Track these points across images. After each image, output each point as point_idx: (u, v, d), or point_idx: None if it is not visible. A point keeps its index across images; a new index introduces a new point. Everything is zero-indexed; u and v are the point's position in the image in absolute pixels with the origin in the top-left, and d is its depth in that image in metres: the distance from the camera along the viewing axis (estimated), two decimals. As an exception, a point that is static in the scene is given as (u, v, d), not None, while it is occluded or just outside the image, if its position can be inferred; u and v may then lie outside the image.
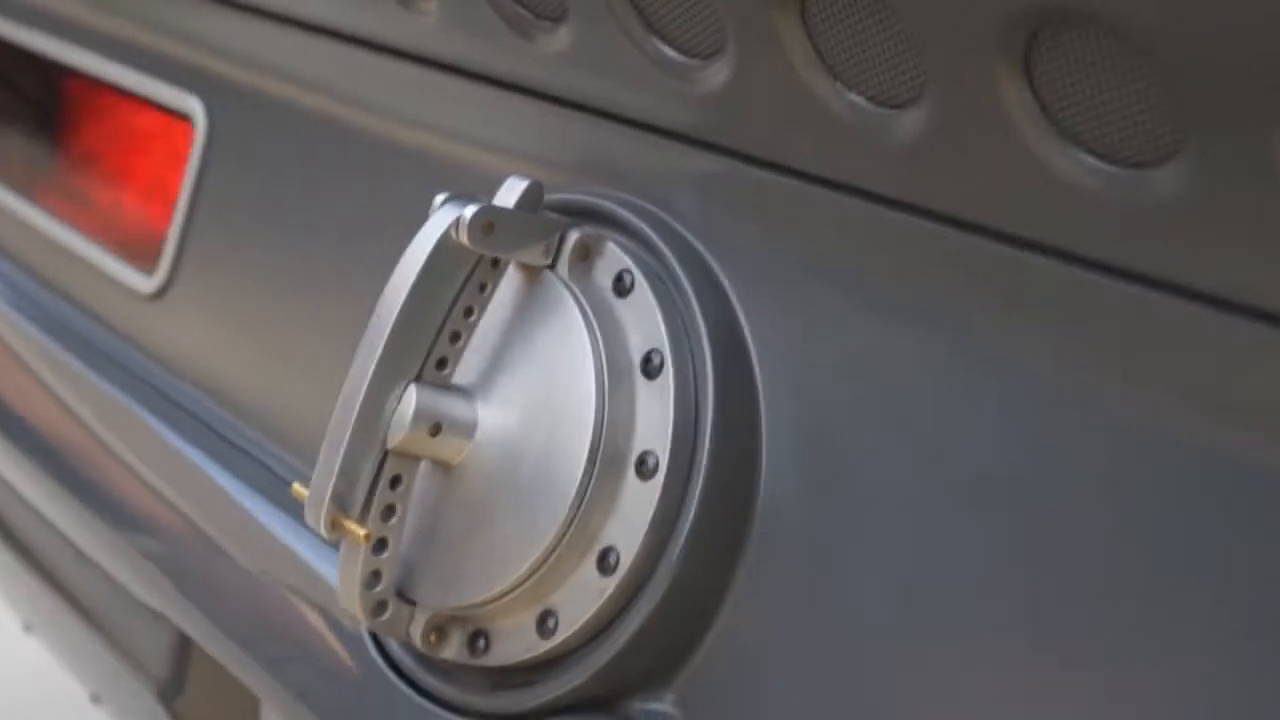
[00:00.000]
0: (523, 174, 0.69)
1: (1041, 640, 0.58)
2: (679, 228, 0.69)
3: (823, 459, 0.64)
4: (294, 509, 0.85)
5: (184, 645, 0.97)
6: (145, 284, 1.03)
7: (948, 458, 0.61)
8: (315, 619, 0.79)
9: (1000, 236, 0.58)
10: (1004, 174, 0.55)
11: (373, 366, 0.65)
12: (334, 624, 0.78)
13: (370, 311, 0.87)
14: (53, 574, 1.08)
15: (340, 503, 0.66)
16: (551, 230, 0.68)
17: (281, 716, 0.79)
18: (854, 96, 0.59)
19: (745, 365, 0.66)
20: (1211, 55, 0.45)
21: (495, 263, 0.68)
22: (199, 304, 1.01)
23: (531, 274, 0.69)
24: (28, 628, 1.35)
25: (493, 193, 0.68)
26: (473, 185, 0.78)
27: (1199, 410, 0.53)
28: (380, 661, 0.74)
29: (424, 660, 0.73)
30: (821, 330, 0.65)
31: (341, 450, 0.66)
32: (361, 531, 0.66)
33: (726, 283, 0.68)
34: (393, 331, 0.66)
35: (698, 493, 0.65)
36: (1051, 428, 0.58)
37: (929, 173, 0.59)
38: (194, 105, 1.02)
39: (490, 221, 0.66)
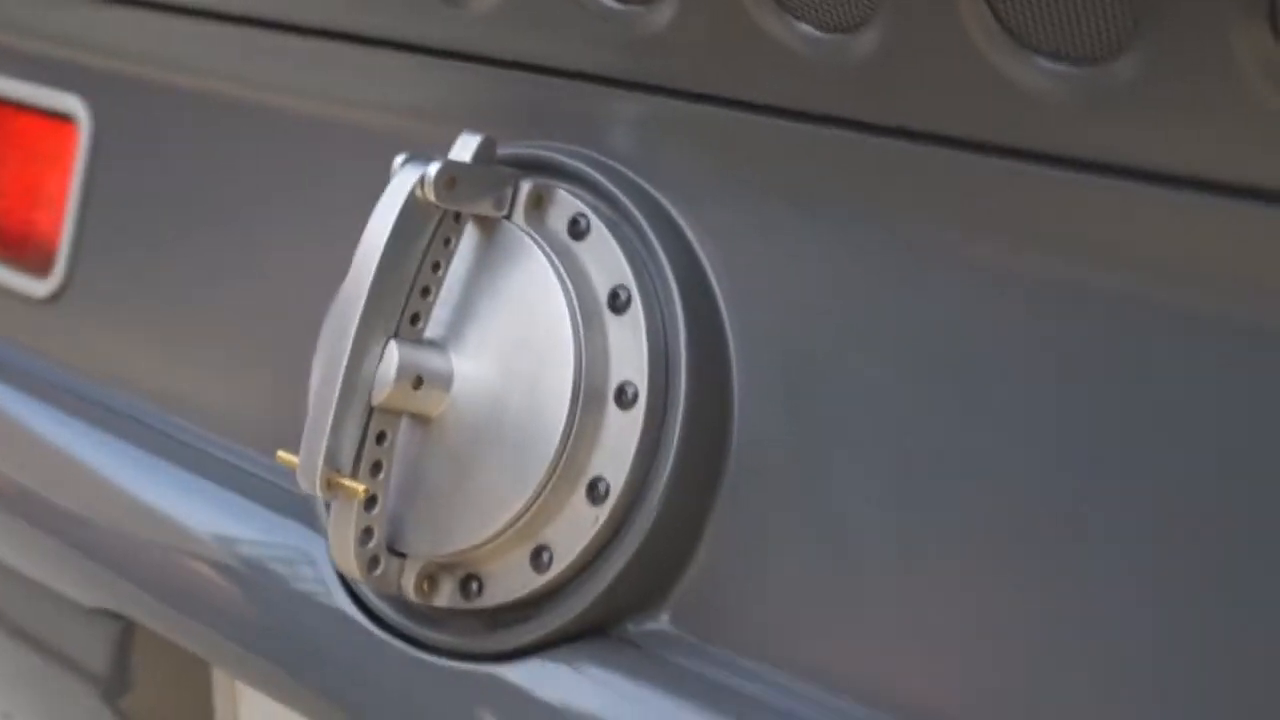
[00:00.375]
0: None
1: (1028, 517, 0.62)
2: (626, 170, 0.72)
3: (792, 372, 0.68)
4: (233, 483, 0.86)
5: (125, 639, 0.97)
6: (40, 288, 1.02)
7: (916, 359, 0.65)
8: (285, 592, 0.81)
9: (956, 143, 0.62)
10: (960, 84, 0.59)
11: (354, 326, 0.67)
12: (311, 594, 0.79)
13: (279, 288, 0.89)
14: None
15: (332, 463, 0.68)
16: (506, 181, 0.71)
17: (286, 700, 0.80)
18: (803, 26, 0.63)
19: (708, 291, 0.70)
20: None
21: (457, 217, 0.70)
22: (99, 301, 1.00)
23: (489, 226, 0.72)
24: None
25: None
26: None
27: (1167, 281, 0.58)
28: (367, 622, 0.76)
29: (414, 613, 0.74)
30: (780, 252, 0.69)
31: (331, 410, 0.67)
32: (360, 488, 0.68)
33: (679, 217, 0.71)
34: (370, 291, 0.67)
35: (679, 415, 0.68)
36: (1023, 321, 0.62)
37: (883, 91, 0.63)
38: (75, 104, 1.01)
39: (452, 176, 0.68)
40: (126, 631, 0.97)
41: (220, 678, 0.97)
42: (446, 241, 0.70)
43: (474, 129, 0.72)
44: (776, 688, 0.68)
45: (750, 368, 0.69)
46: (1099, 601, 0.60)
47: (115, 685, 0.98)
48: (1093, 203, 0.59)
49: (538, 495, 0.68)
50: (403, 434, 0.71)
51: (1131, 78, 0.54)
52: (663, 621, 0.71)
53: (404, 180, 0.68)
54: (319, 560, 0.80)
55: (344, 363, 0.67)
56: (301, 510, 0.83)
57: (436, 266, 0.70)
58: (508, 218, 0.72)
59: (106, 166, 1.00)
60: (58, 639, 1.00)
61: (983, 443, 0.63)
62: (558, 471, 0.68)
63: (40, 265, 1.02)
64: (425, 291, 0.70)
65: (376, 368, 0.68)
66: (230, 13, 0.91)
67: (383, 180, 0.84)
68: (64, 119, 1.01)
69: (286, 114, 0.91)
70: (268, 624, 0.81)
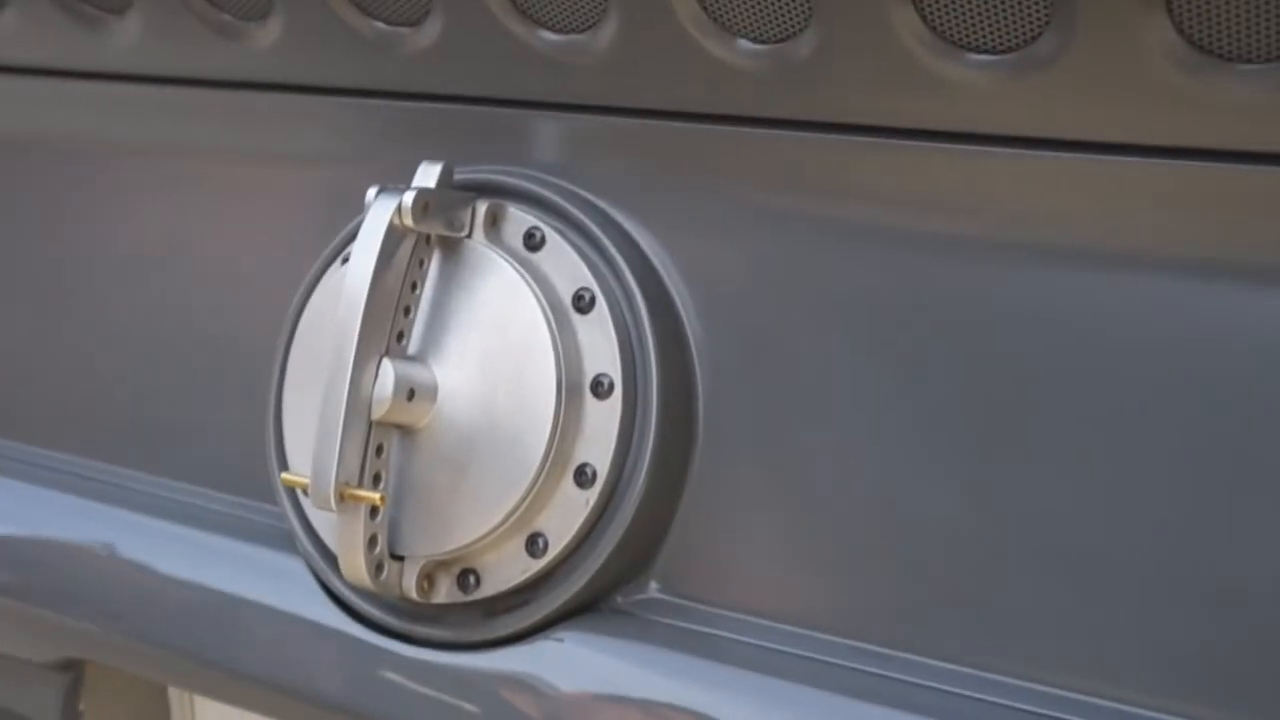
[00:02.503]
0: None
1: (970, 453, 0.72)
2: (571, 185, 0.79)
3: (746, 350, 0.76)
4: (187, 518, 0.90)
5: (74, 689, 0.99)
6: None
7: (855, 328, 0.74)
8: (272, 614, 0.85)
9: (883, 132, 0.71)
10: (891, 82, 0.68)
11: (353, 349, 0.73)
12: (299, 611, 0.83)
13: (181, 325, 0.93)
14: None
15: (342, 477, 0.73)
16: (466, 203, 0.77)
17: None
18: (742, 41, 0.71)
19: (662, 286, 0.77)
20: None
21: (428, 239, 0.76)
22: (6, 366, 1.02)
23: (453, 245, 0.78)
24: None
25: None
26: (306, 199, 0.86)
27: (1071, 232, 0.68)
28: (362, 630, 0.81)
29: (407, 614, 0.80)
30: (723, 244, 0.77)
31: (339, 428, 0.73)
32: (376, 496, 0.73)
33: (626, 222, 0.79)
34: (364, 315, 0.73)
35: (653, 398, 0.75)
36: (953, 283, 0.71)
37: (813, 91, 0.71)
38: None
39: (426, 201, 0.74)
40: (75, 681, 0.99)
41: (179, 714, 1.00)
42: (420, 262, 0.76)
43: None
44: (758, 631, 0.75)
45: (709, 350, 0.77)
46: (1039, 511, 0.70)
47: (68, 736, 1.00)
48: (1016, 174, 0.68)
49: (533, 486, 0.74)
50: (395, 445, 0.77)
51: (1050, 57, 0.63)
52: (650, 590, 0.78)
53: (382, 209, 0.74)
54: (296, 577, 0.84)
55: (346, 383, 0.73)
56: (260, 534, 0.87)
57: (414, 286, 0.76)
58: (468, 237, 0.78)
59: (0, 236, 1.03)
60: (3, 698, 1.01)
61: (921, 398, 0.72)
62: (549, 461, 0.74)
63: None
64: (406, 310, 0.76)
65: (374, 385, 0.74)
66: (119, 72, 0.95)
67: (276, 221, 0.90)
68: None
69: (180, 164, 0.95)
70: (257, 649, 0.85)
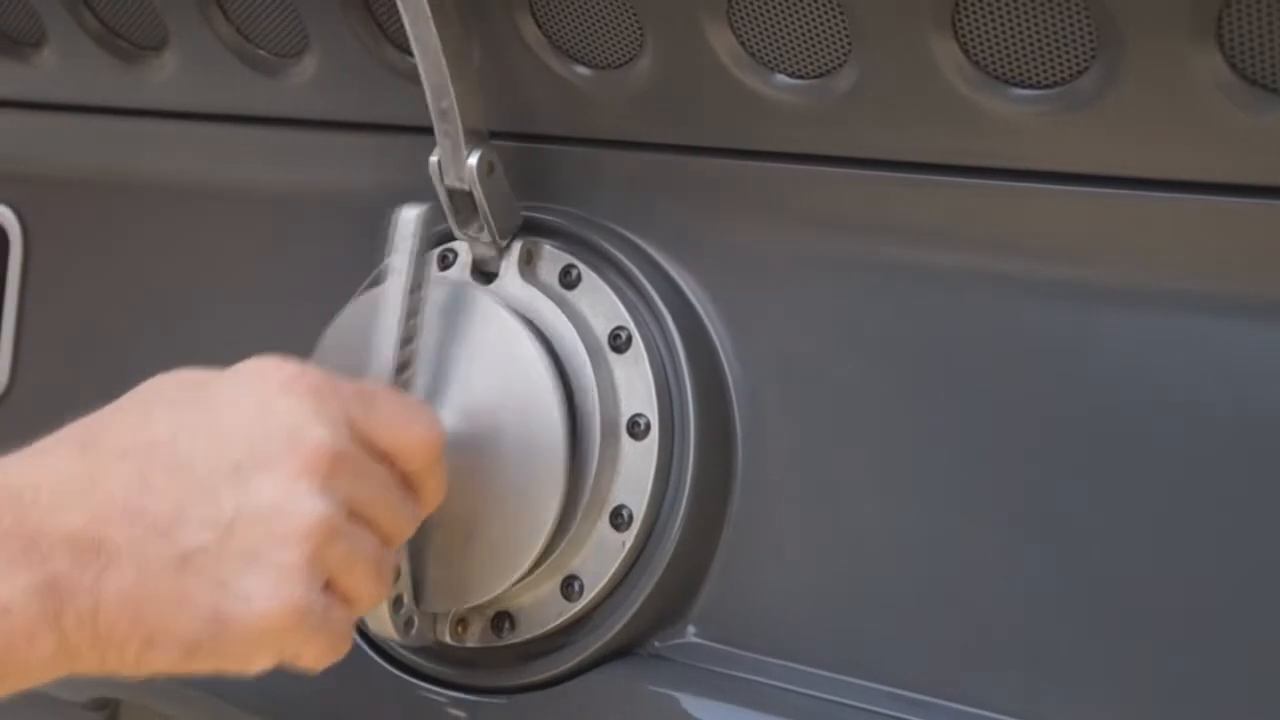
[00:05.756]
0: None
1: (1012, 499, 0.70)
2: (608, 223, 0.78)
3: (786, 390, 0.75)
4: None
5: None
6: (-16, 391, 1.03)
7: (898, 366, 0.72)
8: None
9: (924, 168, 0.69)
10: (933, 117, 0.66)
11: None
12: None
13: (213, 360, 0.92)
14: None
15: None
16: (516, 209, 0.76)
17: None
18: (780, 76, 0.70)
19: (700, 324, 0.76)
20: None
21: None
22: (48, 399, 1.02)
23: (480, 286, 0.76)
24: None
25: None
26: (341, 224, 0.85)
27: (1109, 269, 0.66)
28: (400, 673, 0.80)
29: (443, 658, 0.78)
30: (763, 282, 0.75)
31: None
32: (396, 555, 0.72)
33: (663, 259, 0.77)
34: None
35: (690, 440, 0.74)
36: (993, 319, 0.70)
37: (853, 126, 0.70)
38: (4, 213, 1.03)
39: (491, 161, 0.73)
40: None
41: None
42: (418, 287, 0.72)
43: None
44: (798, 677, 0.73)
45: (747, 389, 0.75)
46: (1091, 558, 0.67)
47: (103, 777, 0.99)
48: (1062, 211, 0.66)
49: (569, 527, 0.73)
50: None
51: (1091, 95, 0.62)
52: (688, 634, 0.76)
53: (410, 212, 0.72)
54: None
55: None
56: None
57: (413, 313, 0.72)
58: (503, 276, 0.77)
59: (42, 269, 1.02)
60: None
61: (966, 439, 0.70)
62: (584, 503, 0.73)
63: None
64: (407, 340, 0.72)
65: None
66: (157, 108, 0.94)
67: (329, 256, 0.88)
68: (-7, 229, 1.03)
69: (218, 199, 0.94)
70: (286, 690, 0.83)
